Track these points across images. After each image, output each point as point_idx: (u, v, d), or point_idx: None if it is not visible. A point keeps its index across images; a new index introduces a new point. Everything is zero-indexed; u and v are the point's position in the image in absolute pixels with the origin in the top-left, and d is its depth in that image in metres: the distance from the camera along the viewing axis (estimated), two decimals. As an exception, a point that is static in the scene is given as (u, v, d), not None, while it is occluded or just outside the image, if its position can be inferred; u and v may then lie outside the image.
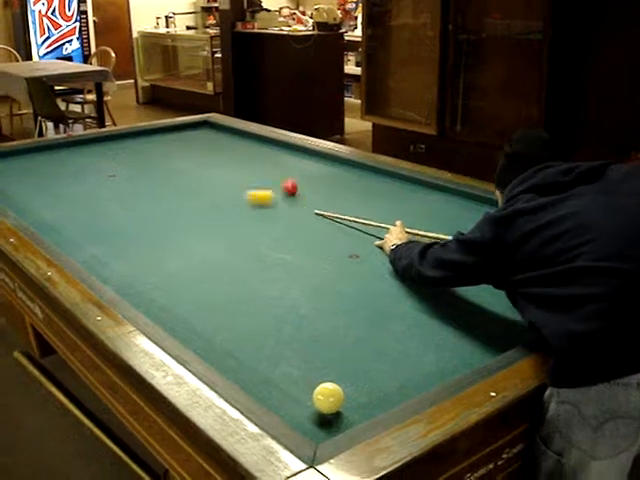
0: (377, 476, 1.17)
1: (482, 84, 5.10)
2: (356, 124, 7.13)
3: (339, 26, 7.51)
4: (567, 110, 4.51)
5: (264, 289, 2.01)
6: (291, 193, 2.77)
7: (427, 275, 1.81)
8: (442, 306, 1.87)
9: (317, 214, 2.56)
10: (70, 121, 6.80)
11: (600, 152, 4.30)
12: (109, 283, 1.95)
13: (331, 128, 7.27)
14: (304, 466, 1.20)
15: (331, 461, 1.20)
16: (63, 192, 2.89)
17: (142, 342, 1.60)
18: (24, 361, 2.71)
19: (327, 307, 1.89)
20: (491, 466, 1.39)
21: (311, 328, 1.77)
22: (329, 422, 1.37)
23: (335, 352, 1.66)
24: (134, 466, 2.06)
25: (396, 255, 2.03)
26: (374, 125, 6.05)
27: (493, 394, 1.38)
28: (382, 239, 2.24)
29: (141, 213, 2.67)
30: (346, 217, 2.48)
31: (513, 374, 1.46)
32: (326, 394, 1.40)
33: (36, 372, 2.63)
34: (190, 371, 1.47)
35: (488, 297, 1.88)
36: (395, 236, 2.15)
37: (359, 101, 6.39)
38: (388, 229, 2.24)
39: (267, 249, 2.30)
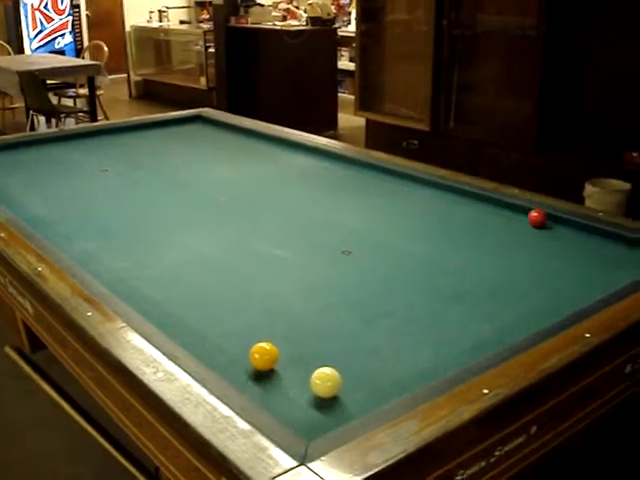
0: (369, 473, 1.16)
1: (476, 80, 5.08)
2: (349, 120, 7.12)
3: (333, 21, 7.51)
4: (561, 107, 4.50)
5: (256, 285, 2.00)
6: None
7: None
8: (435, 303, 1.87)
9: None
10: (62, 115, 6.77)
11: (594, 150, 4.31)
12: (100, 278, 1.93)
13: (324, 123, 7.26)
14: (295, 463, 1.19)
15: (322, 458, 1.20)
16: (55, 186, 2.86)
17: (133, 338, 1.59)
18: (15, 356, 2.69)
19: (320, 303, 1.88)
20: (483, 463, 1.39)
21: (303, 324, 1.76)
22: (321, 419, 1.36)
23: (328, 348, 1.65)
24: (126, 463, 2.05)
25: None
26: (367, 121, 6.03)
27: (486, 391, 1.38)
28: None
29: (133, 208, 2.66)
30: None
31: (505, 372, 1.46)
32: (323, 378, 1.40)
33: (26, 367, 2.62)
34: (181, 367, 1.46)
35: (481, 295, 1.88)
36: None
37: (353, 97, 6.37)
38: None
39: (259, 245, 2.29)
